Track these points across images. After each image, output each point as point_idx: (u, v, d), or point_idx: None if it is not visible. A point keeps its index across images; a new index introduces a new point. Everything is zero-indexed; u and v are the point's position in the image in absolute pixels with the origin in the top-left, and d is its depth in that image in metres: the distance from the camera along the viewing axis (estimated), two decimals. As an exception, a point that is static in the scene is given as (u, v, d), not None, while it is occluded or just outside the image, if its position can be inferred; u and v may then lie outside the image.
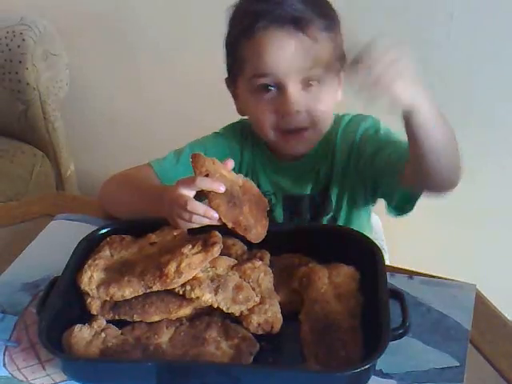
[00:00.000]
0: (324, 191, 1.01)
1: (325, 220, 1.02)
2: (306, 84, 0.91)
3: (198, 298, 0.73)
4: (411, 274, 0.88)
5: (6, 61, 1.72)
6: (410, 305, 0.74)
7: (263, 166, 1.04)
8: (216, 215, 0.75)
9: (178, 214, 0.77)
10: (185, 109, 1.80)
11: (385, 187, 0.94)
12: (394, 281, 0.84)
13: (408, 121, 0.74)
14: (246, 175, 0.94)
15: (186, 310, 0.75)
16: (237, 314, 0.74)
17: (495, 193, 1.50)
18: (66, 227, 1.01)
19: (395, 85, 0.68)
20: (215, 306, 0.74)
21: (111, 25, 1.82)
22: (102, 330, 0.74)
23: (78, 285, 0.76)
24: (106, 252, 0.80)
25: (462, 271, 0.94)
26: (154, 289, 0.73)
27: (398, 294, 0.75)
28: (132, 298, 0.75)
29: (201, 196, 0.78)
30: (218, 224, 0.76)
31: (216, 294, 0.74)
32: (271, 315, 0.74)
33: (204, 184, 0.75)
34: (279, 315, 0.75)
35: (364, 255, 0.80)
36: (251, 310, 0.74)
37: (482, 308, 0.81)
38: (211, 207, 0.75)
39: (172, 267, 0.73)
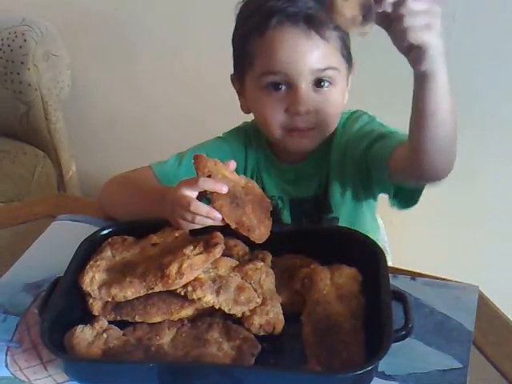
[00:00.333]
0: (327, 190, 1.01)
1: (329, 219, 1.02)
2: (318, 85, 0.90)
3: (199, 298, 0.73)
4: (414, 275, 0.88)
5: (7, 61, 1.72)
6: (412, 306, 0.73)
7: (267, 171, 1.03)
8: (219, 216, 0.75)
9: (180, 214, 0.77)
10: (187, 110, 1.80)
11: (376, 181, 0.94)
12: (396, 282, 0.83)
13: (423, 83, 0.71)
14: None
15: (188, 311, 0.75)
16: (238, 315, 0.74)
17: (498, 194, 1.50)
18: (67, 228, 1.01)
19: (426, 33, 0.65)
20: (217, 307, 0.74)
21: (113, 26, 1.82)
22: (104, 331, 0.74)
23: (80, 285, 0.76)
24: (108, 253, 0.80)
25: (465, 272, 0.94)
26: (156, 290, 0.73)
27: (400, 296, 0.74)
28: (134, 299, 0.75)
29: (202, 197, 0.78)
30: (221, 224, 0.76)
31: (218, 295, 0.73)
32: (273, 316, 0.74)
33: (207, 185, 0.75)
34: (281, 316, 0.75)
35: (366, 256, 0.80)
36: (253, 311, 0.74)
37: (485, 309, 0.81)
38: (214, 208, 0.75)
39: (173, 268, 0.72)
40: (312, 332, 0.72)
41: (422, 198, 0.89)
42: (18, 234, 1.02)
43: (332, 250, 0.82)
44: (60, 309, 0.74)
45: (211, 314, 0.76)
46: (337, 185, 1.00)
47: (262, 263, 0.80)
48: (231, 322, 0.75)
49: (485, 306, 0.82)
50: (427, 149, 0.76)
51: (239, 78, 0.98)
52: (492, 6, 1.36)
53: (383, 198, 0.97)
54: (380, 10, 0.65)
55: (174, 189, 0.79)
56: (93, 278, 0.76)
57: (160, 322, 0.75)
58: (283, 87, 0.91)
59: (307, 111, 0.90)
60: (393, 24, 0.65)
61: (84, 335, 0.72)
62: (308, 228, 0.94)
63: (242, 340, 0.72)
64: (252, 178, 1.02)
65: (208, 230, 0.78)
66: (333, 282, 0.78)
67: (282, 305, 0.76)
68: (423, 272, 0.89)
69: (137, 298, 0.75)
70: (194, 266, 0.73)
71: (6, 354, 0.76)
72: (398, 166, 0.85)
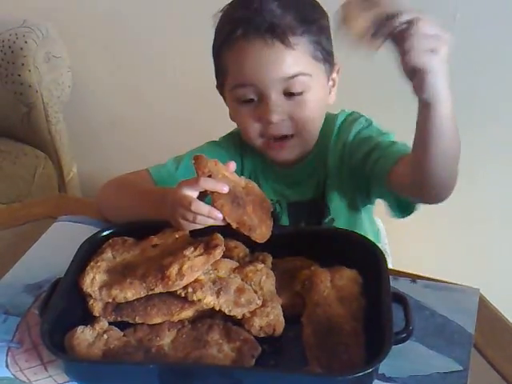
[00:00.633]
0: (324, 194, 1.01)
1: (327, 222, 1.02)
2: (289, 93, 0.89)
3: (199, 300, 0.73)
4: (414, 277, 0.87)
5: (8, 63, 1.72)
6: (413, 309, 0.73)
7: (264, 175, 1.03)
8: (220, 215, 0.75)
9: (181, 214, 0.77)
10: (187, 112, 1.80)
11: (375, 191, 0.94)
12: (396, 284, 0.83)
13: (424, 110, 0.71)
14: None
15: (188, 313, 0.75)
16: (239, 317, 0.74)
17: (499, 196, 1.50)
18: (68, 229, 1.01)
19: (429, 56, 0.65)
20: (217, 309, 0.74)
21: (113, 27, 1.82)
22: (105, 332, 0.74)
23: (81, 286, 0.76)
24: (108, 254, 0.80)
25: (466, 275, 0.94)
26: (156, 291, 0.73)
27: (401, 298, 0.74)
28: (134, 300, 0.75)
29: (203, 198, 0.78)
30: (222, 224, 0.76)
31: (218, 297, 0.73)
32: (273, 318, 0.74)
33: (207, 184, 0.75)
34: (281, 318, 0.75)
35: (367, 258, 0.80)
36: (253, 313, 0.74)
37: (486, 312, 0.81)
38: (215, 207, 0.75)
39: (174, 269, 0.72)
40: (312, 334, 0.72)
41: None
42: (18, 235, 1.02)
43: (332, 252, 0.82)
44: (60, 309, 0.74)
45: (211, 315, 0.75)
46: (334, 188, 0.99)
47: (263, 265, 0.80)
48: (231, 324, 0.75)
49: (485, 309, 0.82)
50: (430, 169, 0.76)
51: (220, 89, 0.98)
52: (493, 7, 1.36)
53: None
54: (391, 28, 0.66)
55: (174, 189, 0.79)
56: (93, 279, 0.76)
57: (160, 324, 0.75)
58: (255, 98, 0.90)
59: (281, 119, 0.90)
60: (400, 43, 0.66)
61: (84, 336, 0.72)
62: (308, 230, 0.94)
63: (243, 342, 0.72)
64: None
65: (208, 232, 0.78)
66: (333, 284, 0.78)
67: (282, 306, 0.76)
68: (424, 274, 0.89)
69: (137, 299, 0.75)
70: (195, 268, 0.73)
71: (7, 355, 0.76)
72: (399, 182, 0.85)
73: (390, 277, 0.76)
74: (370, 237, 1.03)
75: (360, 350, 0.70)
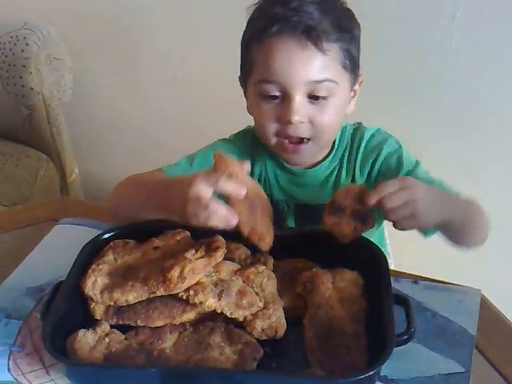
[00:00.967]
0: None
1: None
2: (313, 96, 0.89)
3: (201, 302, 0.73)
4: (416, 278, 0.87)
5: (9, 65, 1.73)
6: (414, 310, 0.73)
7: (275, 174, 1.02)
8: (235, 222, 0.72)
9: (193, 212, 0.72)
10: (188, 113, 1.80)
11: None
12: (398, 286, 0.83)
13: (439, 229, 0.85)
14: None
15: (190, 315, 0.75)
16: (240, 319, 0.74)
17: (500, 197, 1.49)
18: (70, 232, 1.01)
19: (411, 222, 0.76)
20: (219, 311, 0.74)
21: (114, 29, 1.83)
22: (106, 335, 0.73)
23: (82, 290, 0.76)
24: (110, 257, 0.80)
25: (467, 276, 0.94)
26: (158, 294, 0.73)
27: (403, 300, 0.74)
28: (136, 303, 0.75)
29: None
30: (229, 229, 0.74)
31: (219, 299, 0.73)
32: (275, 320, 0.74)
33: (227, 187, 0.72)
34: (283, 320, 0.75)
35: (368, 260, 0.79)
36: (255, 315, 0.74)
37: (488, 313, 0.81)
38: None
39: (175, 272, 0.72)
40: (314, 336, 0.72)
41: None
42: (20, 238, 1.02)
43: (334, 254, 0.81)
44: (62, 313, 0.74)
45: (213, 318, 0.75)
46: None
47: (264, 267, 0.80)
48: (233, 326, 0.74)
49: (487, 310, 0.82)
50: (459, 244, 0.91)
51: (243, 81, 0.98)
52: (493, 7, 1.36)
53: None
54: (370, 214, 0.77)
55: (188, 180, 0.73)
56: (95, 282, 0.76)
57: (162, 326, 0.74)
58: (279, 96, 0.90)
59: (300, 121, 0.90)
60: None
61: (86, 339, 0.72)
62: (309, 231, 0.94)
63: (244, 344, 0.72)
64: (259, 180, 1.02)
65: (209, 233, 0.78)
66: (334, 286, 0.78)
67: (283, 309, 0.76)
68: (425, 275, 0.89)
69: (139, 302, 0.75)
70: (196, 270, 0.73)
71: (9, 359, 0.76)
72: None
73: (392, 278, 0.76)
74: (375, 239, 1.03)
75: (362, 352, 0.70)
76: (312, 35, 0.86)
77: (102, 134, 2.03)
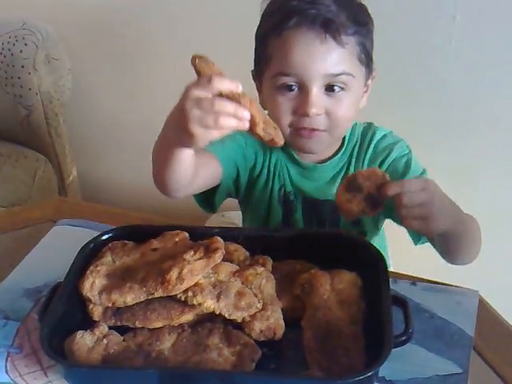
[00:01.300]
0: None
1: (343, 225, 1.02)
2: (330, 89, 0.90)
3: (199, 304, 0.73)
4: (414, 280, 0.88)
5: (8, 66, 1.72)
6: (412, 311, 0.73)
7: (287, 165, 1.03)
8: (247, 113, 0.66)
9: (198, 119, 0.66)
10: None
11: (396, 220, 0.94)
12: (396, 287, 0.83)
13: (444, 237, 0.82)
14: (273, 175, 0.99)
15: (188, 317, 0.75)
16: (239, 321, 0.74)
17: (499, 198, 1.49)
18: (68, 233, 1.01)
19: (420, 224, 0.75)
20: (217, 313, 0.74)
21: (114, 30, 1.83)
22: (104, 337, 0.73)
23: (80, 291, 0.76)
24: (108, 258, 0.80)
25: (465, 277, 0.94)
26: (156, 295, 0.73)
27: (401, 301, 0.74)
28: (134, 305, 0.75)
29: None
30: (245, 128, 0.67)
31: (218, 301, 0.73)
32: (273, 321, 0.74)
33: (222, 84, 0.66)
34: (281, 321, 0.75)
35: (366, 261, 0.79)
36: (253, 317, 0.74)
37: (486, 314, 0.81)
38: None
39: (174, 273, 0.72)
40: (312, 337, 0.72)
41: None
42: (18, 239, 1.02)
43: (332, 255, 0.82)
44: (60, 314, 0.74)
45: (211, 319, 0.75)
46: None
47: (263, 268, 0.80)
48: (232, 328, 0.74)
49: (485, 311, 0.82)
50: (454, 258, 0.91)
51: (258, 75, 0.98)
52: (493, 8, 1.36)
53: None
54: (383, 202, 0.75)
55: (181, 99, 0.68)
56: (93, 284, 0.76)
57: (160, 328, 0.74)
58: (295, 88, 0.91)
59: (317, 114, 0.90)
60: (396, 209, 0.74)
61: (84, 341, 0.72)
62: (308, 232, 0.94)
63: (243, 345, 0.72)
64: (274, 171, 1.02)
65: (208, 235, 0.78)
66: (333, 288, 0.78)
67: (282, 310, 0.76)
68: (423, 276, 0.89)
69: (137, 304, 0.74)
70: (195, 272, 0.73)
71: (7, 360, 0.76)
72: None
73: (390, 279, 0.76)
74: (375, 240, 1.03)
75: (360, 353, 0.70)
76: (331, 28, 0.87)
77: (101, 134, 2.03)
